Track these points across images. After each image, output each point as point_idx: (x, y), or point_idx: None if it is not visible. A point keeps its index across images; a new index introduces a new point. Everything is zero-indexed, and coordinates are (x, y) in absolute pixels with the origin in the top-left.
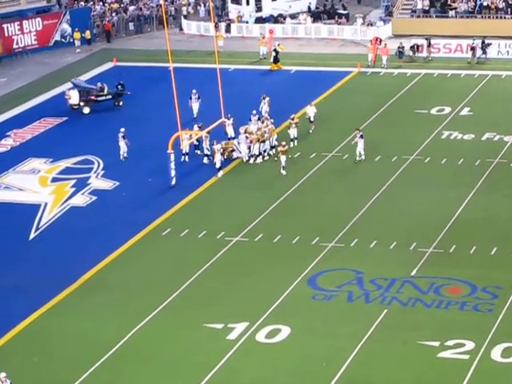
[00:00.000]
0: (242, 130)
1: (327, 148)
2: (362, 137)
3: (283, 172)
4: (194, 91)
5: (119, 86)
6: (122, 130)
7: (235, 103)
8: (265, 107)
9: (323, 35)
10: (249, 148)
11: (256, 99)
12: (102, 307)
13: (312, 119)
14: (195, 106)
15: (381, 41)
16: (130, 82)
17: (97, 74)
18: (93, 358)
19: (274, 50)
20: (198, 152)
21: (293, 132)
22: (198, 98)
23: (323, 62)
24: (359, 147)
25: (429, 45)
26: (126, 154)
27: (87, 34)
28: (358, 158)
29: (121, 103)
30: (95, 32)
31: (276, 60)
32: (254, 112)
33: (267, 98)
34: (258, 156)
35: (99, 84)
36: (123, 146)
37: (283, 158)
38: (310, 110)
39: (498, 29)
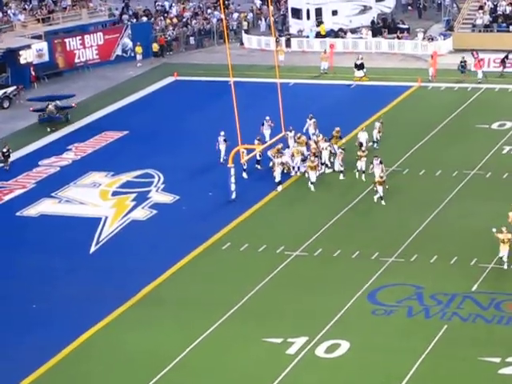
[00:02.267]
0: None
1: (387, 163)
2: (381, 162)
3: (382, 202)
4: (267, 118)
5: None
6: (222, 133)
7: (295, 117)
8: (310, 129)
9: (384, 49)
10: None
11: (315, 113)
12: (162, 321)
13: (364, 145)
14: (267, 132)
15: (477, 53)
16: (190, 96)
17: (158, 88)
18: (152, 371)
19: (360, 64)
20: (259, 167)
21: (361, 164)
22: (270, 124)
23: (384, 77)
24: (377, 173)
25: None
26: (225, 158)
27: (154, 47)
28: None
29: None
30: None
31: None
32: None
33: (313, 120)
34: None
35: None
36: (223, 150)
37: (380, 189)
38: (362, 136)
39: None
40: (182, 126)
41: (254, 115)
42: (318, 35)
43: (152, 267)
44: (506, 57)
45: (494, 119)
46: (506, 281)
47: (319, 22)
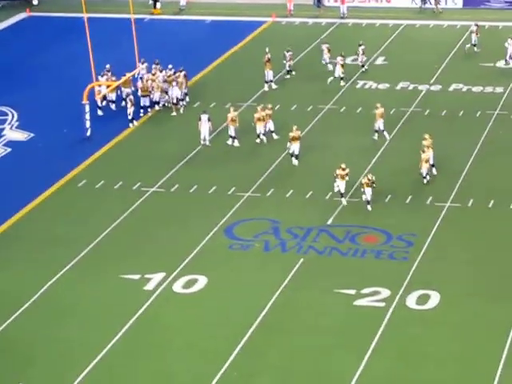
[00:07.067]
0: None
1: (240, 98)
2: (209, 119)
3: (369, 207)
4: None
5: None
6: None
7: (150, 54)
8: (143, 72)
9: None
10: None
11: (171, 49)
12: (17, 259)
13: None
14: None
15: None
16: (45, 32)
17: (9, 24)
18: (7, 311)
19: None
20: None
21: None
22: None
23: (239, 12)
24: (204, 130)
25: None
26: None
27: None
28: (202, 142)
29: None
30: None
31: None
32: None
33: (146, 64)
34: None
35: None
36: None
37: (368, 191)
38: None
39: None
40: (35, 64)
41: (109, 52)
42: None
43: (7, 206)
44: None
45: (348, 54)
46: (360, 214)
47: None
